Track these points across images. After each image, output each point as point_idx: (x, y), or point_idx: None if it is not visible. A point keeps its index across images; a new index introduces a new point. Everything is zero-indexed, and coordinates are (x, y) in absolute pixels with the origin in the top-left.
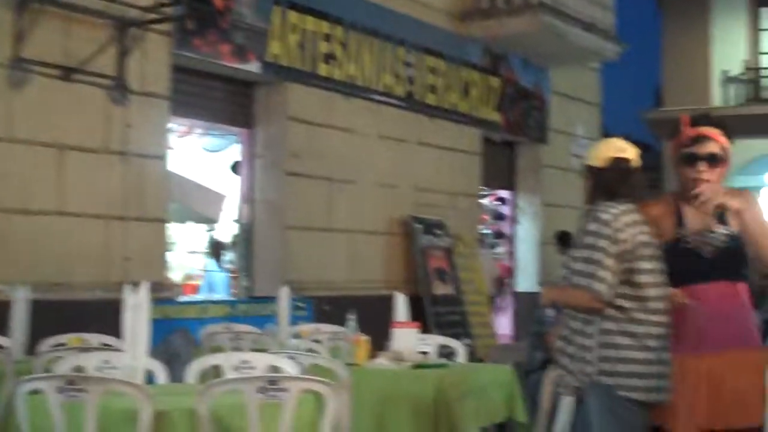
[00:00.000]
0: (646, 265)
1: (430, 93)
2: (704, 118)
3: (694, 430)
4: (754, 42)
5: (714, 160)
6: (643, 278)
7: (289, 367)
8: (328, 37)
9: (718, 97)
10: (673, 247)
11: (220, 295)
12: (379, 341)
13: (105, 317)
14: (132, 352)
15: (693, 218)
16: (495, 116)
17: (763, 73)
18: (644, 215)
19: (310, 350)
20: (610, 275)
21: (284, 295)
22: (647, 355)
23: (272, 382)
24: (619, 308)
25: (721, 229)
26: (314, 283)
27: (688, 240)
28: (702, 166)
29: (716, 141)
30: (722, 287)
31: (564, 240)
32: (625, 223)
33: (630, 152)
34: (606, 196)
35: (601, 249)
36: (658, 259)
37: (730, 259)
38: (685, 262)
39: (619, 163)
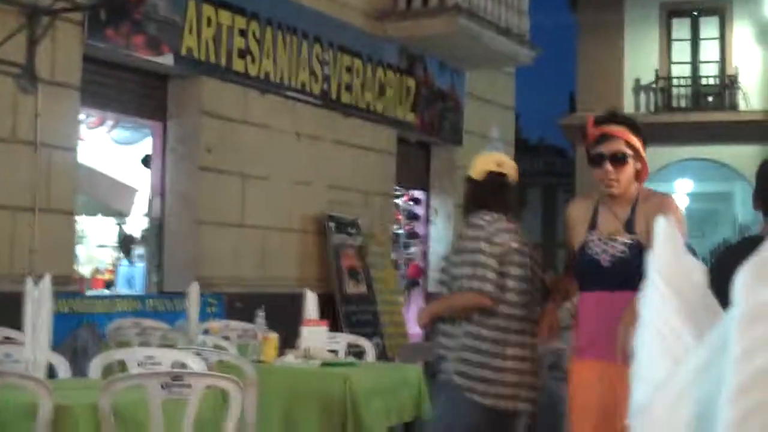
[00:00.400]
0: (514, 271)
1: (346, 92)
2: (610, 117)
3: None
4: (666, 51)
5: (620, 158)
6: (510, 283)
7: (194, 364)
8: (243, 32)
9: (629, 104)
10: (580, 252)
11: (134, 291)
12: (290, 339)
13: (9, 310)
14: (32, 346)
15: (605, 222)
16: (410, 117)
17: (674, 82)
18: (567, 216)
19: (218, 347)
20: (494, 275)
21: (194, 290)
22: (499, 363)
23: (176, 378)
24: (485, 312)
25: (624, 238)
26: (226, 280)
27: (591, 246)
28: (608, 166)
29: (621, 139)
30: (616, 297)
31: None
32: (498, 228)
33: (507, 167)
34: (479, 207)
35: (482, 251)
36: (525, 267)
37: (626, 269)
38: (585, 269)
39: (495, 177)
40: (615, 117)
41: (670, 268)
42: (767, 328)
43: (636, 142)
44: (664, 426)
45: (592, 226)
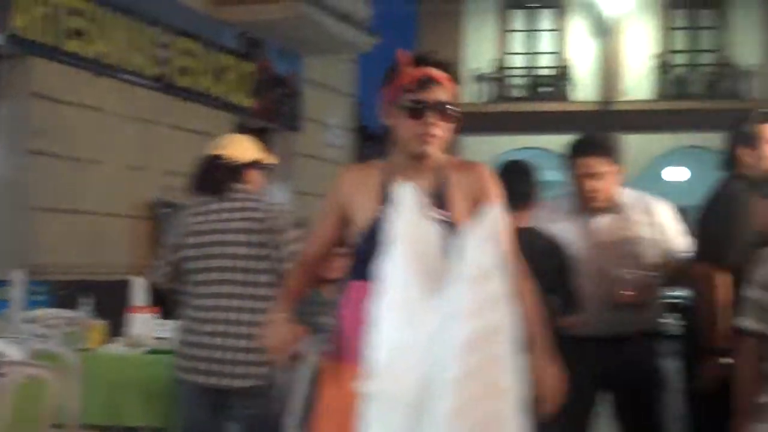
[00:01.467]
0: (193, 252)
1: (184, 76)
2: (430, 58)
3: None
4: (503, 42)
5: (447, 112)
6: (190, 265)
7: (13, 352)
8: (77, 12)
9: (468, 94)
10: (370, 232)
11: None
12: (121, 327)
13: None
14: None
15: None
16: (248, 102)
17: (511, 72)
18: (339, 185)
19: (42, 335)
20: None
21: (17, 278)
22: (183, 336)
23: None
24: (183, 293)
25: (433, 213)
26: (56, 267)
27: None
28: (432, 117)
29: (447, 88)
30: None
31: None
32: (188, 213)
33: (227, 148)
34: (194, 190)
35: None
36: (205, 246)
37: None
38: (373, 253)
39: (211, 160)
40: (435, 60)
41: (410, 233)
42: (491, 288)
43: (458, 95)
44: (396, 387)
45: (384, 200)
